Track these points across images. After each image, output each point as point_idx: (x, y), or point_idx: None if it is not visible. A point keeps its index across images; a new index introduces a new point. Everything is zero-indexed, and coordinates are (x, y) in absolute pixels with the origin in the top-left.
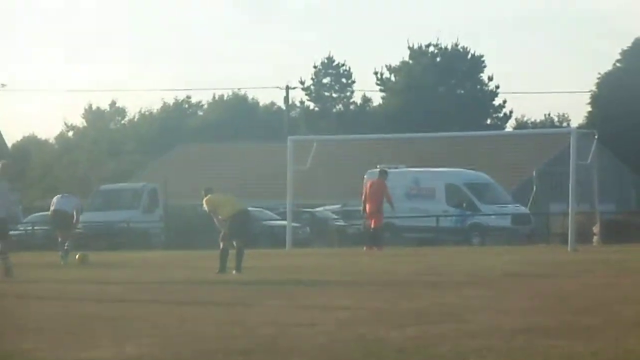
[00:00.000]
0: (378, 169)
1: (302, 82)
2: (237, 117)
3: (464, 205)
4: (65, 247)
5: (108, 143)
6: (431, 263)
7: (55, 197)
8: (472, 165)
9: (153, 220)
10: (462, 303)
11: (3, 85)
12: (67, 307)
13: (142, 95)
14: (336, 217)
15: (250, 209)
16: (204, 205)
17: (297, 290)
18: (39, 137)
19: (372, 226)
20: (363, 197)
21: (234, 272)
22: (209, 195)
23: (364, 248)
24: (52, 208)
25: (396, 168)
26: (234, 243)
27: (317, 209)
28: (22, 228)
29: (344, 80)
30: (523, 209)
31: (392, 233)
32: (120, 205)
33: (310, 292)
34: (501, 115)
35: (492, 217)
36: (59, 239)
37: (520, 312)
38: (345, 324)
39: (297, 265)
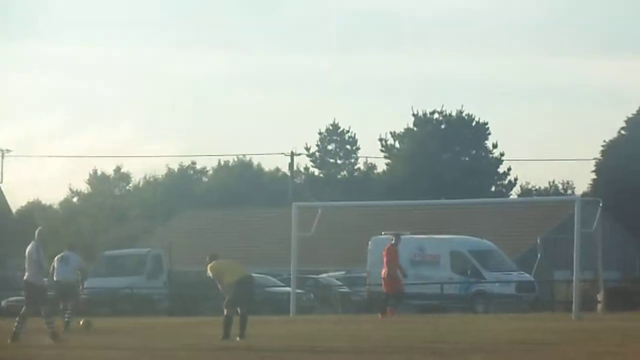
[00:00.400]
0: (384, 235)
1: (307, 149)
2: (242, 183)
3: (469, 272)
4: (66, 317)
5: (113, 209)
6: (436, 330)
7: (56, 258)
8: (476, 232)
9: (157, 287)
10: None
11: (8, 150)
12: None
13: (146, 161)
14: (340, 283)
15: (254, 275)
16: (209, 272)
17: (301, 358)
18: (43, 202)
19: (385, 291)
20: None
21: (237, 338)
22: (214, 262)
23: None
24: (54, 277)
25: (401, 235)
26: (238, 310)
27: (321, 276)
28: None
29: (348, 146)
30: (527, 277)
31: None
32: (125, 271)
33: None
34: (506, 182)
35: (497, 284)
36: (61, 306)
37: None
38: None
39: (301, 332)
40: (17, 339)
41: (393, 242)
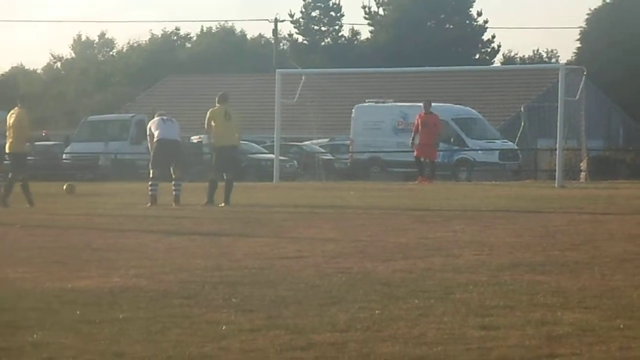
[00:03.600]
0: (367, 103)
1: (291, 15)
2: (225, 49)
3: (452, 140)
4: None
5: (96, 74)
6: (418, 198)
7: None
8: (460, 100)
9: (141, 152)
10: (450, 238)
11: None
12: (55, 237)
13: (130, 26)
14: (324, 151)
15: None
16: (208, 113)
17: (284, 224)
18: (26, 67)
19: (431, 159)
20: (414, 131)
21: (222, 204)
22: (216, 107)
23: (417, 181)
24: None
25: (384, 102)
26: (224, 175)
27: (305, 143)
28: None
29: (332, 13)
30: (511, 145)
31: (379, 167)
32: (108, 136)
33: (297, 226)
34: (489, 50)
35: (480, 152)
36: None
37: (507, 248)
38: (332, 257)
39: (284, 199)
40: (179, 201)
41: (429, 109)
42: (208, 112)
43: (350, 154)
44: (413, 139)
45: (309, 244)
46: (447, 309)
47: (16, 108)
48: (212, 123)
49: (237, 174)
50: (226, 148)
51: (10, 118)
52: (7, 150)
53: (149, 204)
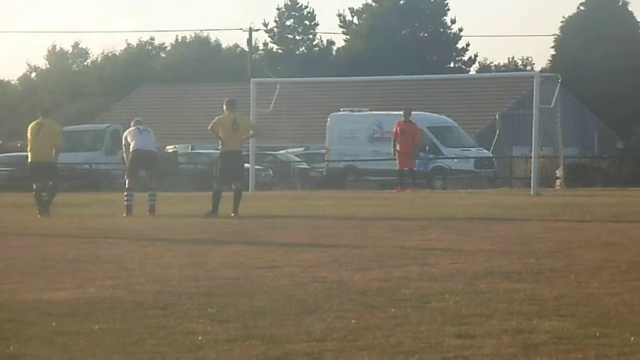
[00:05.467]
0: (342, 112)
1: (265, 24)
2: (200, 59)
3: (427, 148)
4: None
5: (71, 84)
6: (394, 206)
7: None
8: (435, 109)
9: (115, 162)
10: (426, 246)
11: None
12: (31, 249)
13: (105, 36)
14: (299, 160)
15: (213, 151)
16: (215, 119)
17: (259, 233)
18: (1, 78)
19: (410, 167)
20: (393, 139)
21: (232, 214)
22: (224, 115)
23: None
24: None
25: (359, 111)
26: (231, 185)
27: (280, 152)
28: None
29: (307, 22)
30: (486, 153)
31: (354, 176)
32: (83, 147)
33: (272, 235)
34: (465, 58)
35: (455, 160)
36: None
37: (482, 256)
38: (308, 266)
39: (259, 208)
40: (154, 211)
41: (409, 118)
42: (215, 119)
43: (325, 163)
44: (394, 146)
45: (284, 253)
46: (424, 318)
47: (40, 119)
48: (219, 127)
49: (244, 183)
50: (231, 153)
51: (37, 128)
52: (36, 160)
53: (125, 215)
